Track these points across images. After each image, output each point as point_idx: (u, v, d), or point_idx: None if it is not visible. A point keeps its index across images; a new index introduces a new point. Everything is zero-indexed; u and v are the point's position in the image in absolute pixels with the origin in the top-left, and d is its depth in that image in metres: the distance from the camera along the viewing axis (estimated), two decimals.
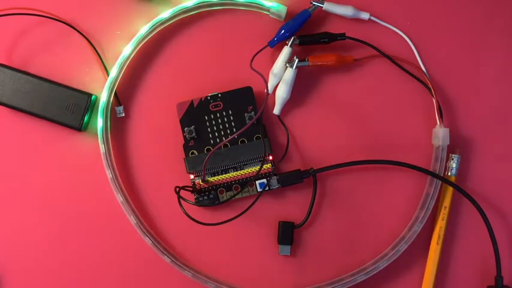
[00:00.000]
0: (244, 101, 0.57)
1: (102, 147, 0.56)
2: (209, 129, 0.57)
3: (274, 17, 0.58)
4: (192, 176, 0.56)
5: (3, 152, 0.58)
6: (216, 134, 0.57)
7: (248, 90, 0.57)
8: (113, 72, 0.57)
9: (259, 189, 0.56)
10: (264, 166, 0.56)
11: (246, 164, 0.56)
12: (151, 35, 0.57)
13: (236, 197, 0.56)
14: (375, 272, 0.55)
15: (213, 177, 0.56)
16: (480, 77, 0.58)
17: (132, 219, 0.56)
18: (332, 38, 0.57)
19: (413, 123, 0.58)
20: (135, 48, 0.57)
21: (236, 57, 0.58)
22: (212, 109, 0.57)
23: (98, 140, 0.56)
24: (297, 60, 0.56)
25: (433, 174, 0.56)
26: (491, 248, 0.55)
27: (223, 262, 0.57)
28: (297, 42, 0.56)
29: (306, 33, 0.57)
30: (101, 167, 0.56)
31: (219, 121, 0.57)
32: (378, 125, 0.58)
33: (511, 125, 0.58)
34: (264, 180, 0.56)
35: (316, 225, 0.57)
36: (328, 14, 0.58)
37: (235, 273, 0.57)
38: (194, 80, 0.58)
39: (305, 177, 0.56)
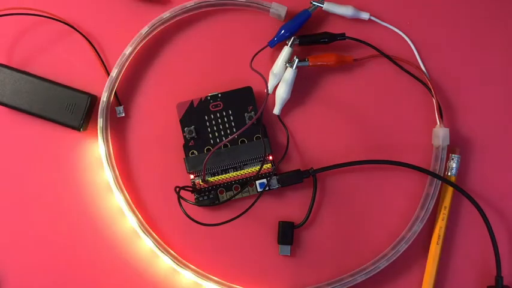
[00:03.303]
0: (244, 101, 0.57)
1: (102, 147, 0.56)
2: (209, 129, 0.57)
3: (274, 17, 0.58)
4: (192, 176, 0.56)
5: (3, 152, 0.58)
6: (216, 134, 0.57)
7: (248, 90, 0.57)
8: (113, 72, 0.57)
9: (259, 189, 0.56)
10: (264, 166, 0.56)
11: (246, 164, 0.56)
12: (151, 35, 0.57)
13: (236, 197, 0.56)
14: (375, 272, 0.55)
15: (213, 177, 0.56)
16: (480, 77, 0.58)
17: (133, 219, 0.56)
18: (332, 38, 0.57)
19: (413, 123, 0.58)
20: (135, 48, 0.57)
21: (236, 57, 0.58)
22: (212, 109, 0.57)
23: (98, 140, 0.56)
24: (297, 60, 0.56)
25: (433, 174, 0.56)
26: (491, 248, 0.55)
27: (223, 262, 0.57)
28: (297, 42, 0.56)
29: (306, 33, 0.57)
30: (101, 167, 0.56)
31: (219, 121, 0.57)
32: (377, 125, 0.58)
33: (511, 125, 0.58)
34: (264, 180, 0.56)
35: (316, 225, 0.57)
36: (328, 14, 0.58)
37: (235, 273, 0.57)
38: (194, 80, 0.58)
39: (305, 177, 0.56)
